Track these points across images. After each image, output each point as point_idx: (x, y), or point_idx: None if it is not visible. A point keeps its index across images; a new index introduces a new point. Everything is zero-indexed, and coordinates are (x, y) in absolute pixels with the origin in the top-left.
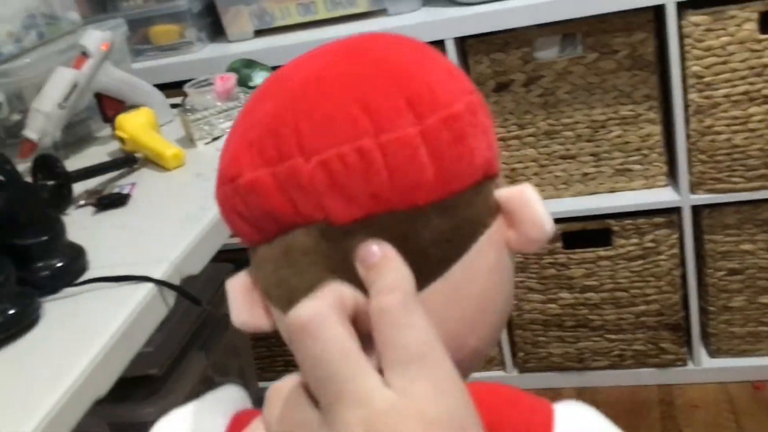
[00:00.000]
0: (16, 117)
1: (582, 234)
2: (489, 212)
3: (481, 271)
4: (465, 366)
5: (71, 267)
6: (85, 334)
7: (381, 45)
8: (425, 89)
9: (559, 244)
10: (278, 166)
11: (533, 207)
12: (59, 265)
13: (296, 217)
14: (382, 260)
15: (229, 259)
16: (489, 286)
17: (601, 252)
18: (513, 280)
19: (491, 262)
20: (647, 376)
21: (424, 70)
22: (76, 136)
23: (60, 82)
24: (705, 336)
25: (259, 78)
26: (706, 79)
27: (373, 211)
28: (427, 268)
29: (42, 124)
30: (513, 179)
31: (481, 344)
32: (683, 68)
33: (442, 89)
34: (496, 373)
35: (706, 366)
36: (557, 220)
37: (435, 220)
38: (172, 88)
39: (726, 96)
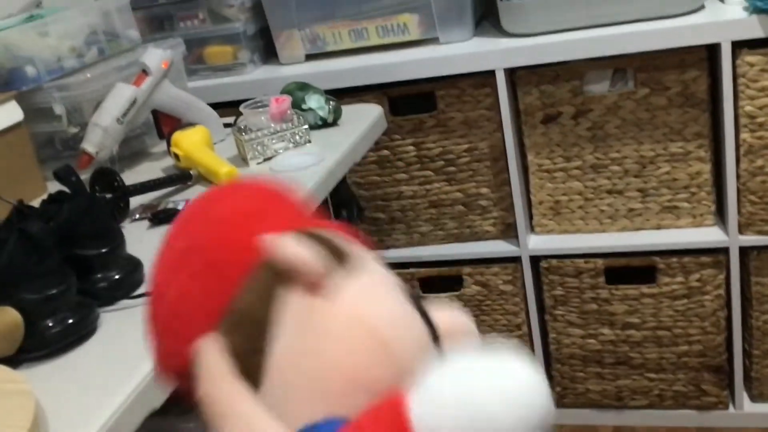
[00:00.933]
0: (73, 130)
1: (626, 270)
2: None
3: (288, 345)
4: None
5: (129, 279)
6: (140, 347)
7: None
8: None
9: (601, 279)
10: None
11: (273, 250)
12: (117, 277)
13: None
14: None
15: None
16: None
17: (645, 289)
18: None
19: (292, 331)
20: (687, 418)
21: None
22: (131, 150)
23: (120, 97)
24: (747, 380)
25: (312, 101)
26: (759, 120)
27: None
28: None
29: (100, 138)
30: (557, 212)
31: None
32: (736, 107)
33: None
34: None
35: (748, 410)
36: (601, 255)
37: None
38: (224, 108)
39: None
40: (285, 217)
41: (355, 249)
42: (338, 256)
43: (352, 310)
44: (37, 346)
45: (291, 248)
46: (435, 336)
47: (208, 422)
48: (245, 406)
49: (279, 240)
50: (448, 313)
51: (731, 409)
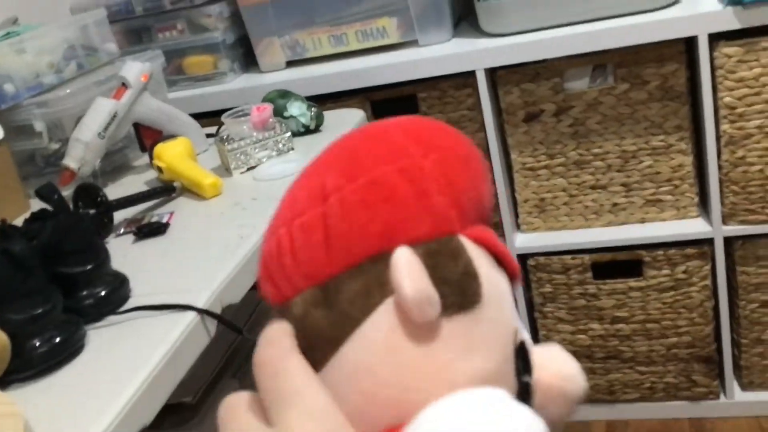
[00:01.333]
0: (54, 146)
1: (612, 265)
2: (386, 285)
3: (378, 344)
4: None
5: (115, 295)
6: (129, 363)
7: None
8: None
9: (589, 275)
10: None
11: (394, 271)
12: (103, 293)
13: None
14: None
15: None
16: (389, 359)
17: (632, 283)
18: (429, 358)
19: (387, 335)
20: (679, 409)
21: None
22: (113, 164)
23: (100, 112)
24: (737, 369)
25: (294, 108)
26: (739, 110)
27: (289, 294)
28: (321, 344)
29: (81, 153)
30: (543, 209)
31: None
32: (715, 99)
33: (364, 161)
34: None
35: (739, 399)
36: (587, 251)
37: (336, 295)
38: (205, 118)
39: (758, 127)
40: (454, 203)
41: (486, 283)
42: (461, 298)
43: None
44: (24, 367)
45: (416, 284)
46: (527, 391)
47: (258, 384)
48: (305, 377)
49: (405, 263)
50: (555, 364)
51: (722, 398)
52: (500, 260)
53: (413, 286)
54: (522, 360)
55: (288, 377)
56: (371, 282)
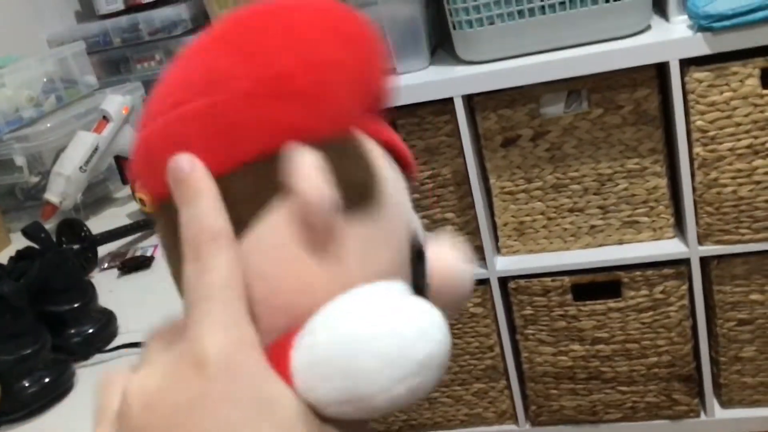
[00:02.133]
0: (34, 179)
1: (592, 286)
2: (278, 186)
3: (269, 247)
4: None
5: (103, 333)
6: None
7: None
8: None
9: (569, 296)
10: None
11: (293, 172)
12: (91, 331)
13: None
14: (192, 177)
15: None
16: (283, 265)
17: (611, 304)
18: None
19: (279, 238)
20: (660, 429)
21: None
22: (95, 197)
23: (81, 146)
24: (717, 387)
25: None
26: (711, 133)
27: (167, 195)
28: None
29: (63, 187)
30: (522, 232)
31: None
32: (687, 123)
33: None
34: (508, 427)
35: (719, 417)
36: (567, 272)
37: (236, 182)
38: None
39: (730, 149)
40: (357, 98)
41: (379, 176)
42: (360, 199)
43: None
44: (14, 408)
45: (312, 181)
46: (422, 293)
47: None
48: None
49: (305, 164)
50: (448, 258)
51: (702, 416)
52: (396, 154)
53: (312, 187)
54: (418, 260)
55: (214, 275)
56: (262, 182)
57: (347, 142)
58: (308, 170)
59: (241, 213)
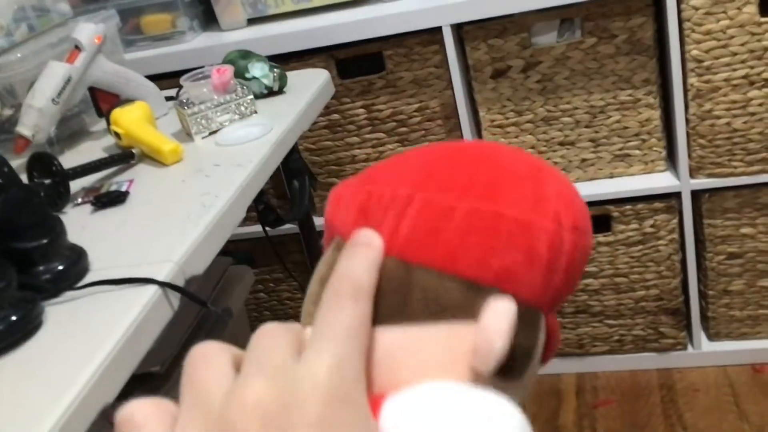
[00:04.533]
0: (7, 112)
1: None
2: (472, 310)
3: (416, 348)
4: None
5: (73, 270)
6: (90, 340)
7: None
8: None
9: None
10: None
11: (495, 317)
12: (61, 268)
13: None
14: (363, 246)
15: (227, 252)
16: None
17: (601, 238)
18: None
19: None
20: (647, 361)
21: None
22: (69, 130)
23: (53, 77)
24: (705, 320)
25: (256, 69)
26: (706, 63)
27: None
28: (389, 309)
29: (35, 120)
30: None
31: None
32: (682, 52)
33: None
34: None
35: (706, 350)
36: None
37: (429, 282)
38: (165, 79)
39: (726, 80)
40: (563, 285)
41: (533, 366)
42: (511, 369)
43: None
44: None
45: (504, 341)
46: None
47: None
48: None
49: (504, 312)
50: None
51: (690, 349)
52: (547, 346)
53: (503, 341)
54: None
55: (351, 315)
56: (451, 301)
57: (536, 317)
58: (503, 321)
59: (420, 307)
